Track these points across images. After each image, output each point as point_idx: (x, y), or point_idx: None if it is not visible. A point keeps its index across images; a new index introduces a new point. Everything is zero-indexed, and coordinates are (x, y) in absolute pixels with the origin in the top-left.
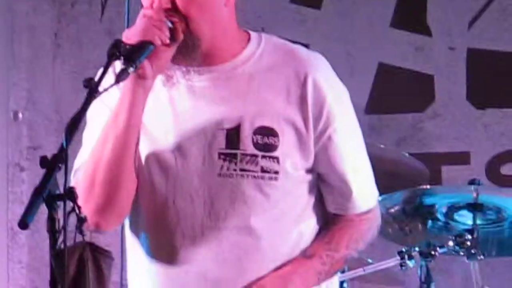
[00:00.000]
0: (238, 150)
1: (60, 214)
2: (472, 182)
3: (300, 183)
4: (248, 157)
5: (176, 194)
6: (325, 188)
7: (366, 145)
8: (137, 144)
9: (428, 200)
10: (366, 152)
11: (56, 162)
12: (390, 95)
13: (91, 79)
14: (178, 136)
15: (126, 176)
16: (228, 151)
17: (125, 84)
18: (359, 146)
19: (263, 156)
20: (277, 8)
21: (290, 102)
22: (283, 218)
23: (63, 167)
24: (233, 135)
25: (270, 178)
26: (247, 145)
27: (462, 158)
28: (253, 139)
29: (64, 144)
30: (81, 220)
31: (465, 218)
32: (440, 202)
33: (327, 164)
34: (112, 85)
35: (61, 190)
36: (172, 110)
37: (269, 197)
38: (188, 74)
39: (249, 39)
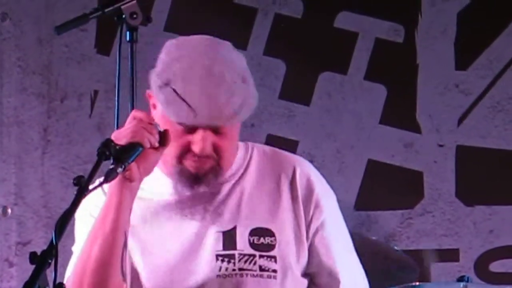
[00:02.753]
0: (236, 250)
1: None
2: (461, 279)
3: (296, 284)
4: (246, 257)
5: None
6: None
7: (358, 236)
8: (125, 246)
9: None
10: (354, 251)
11: (46, 258)
12: (379, 192)
13: (81, 177)
14: (175, 242)
15: (113, 278)
16: (226, 252)
17: (111, 186)
18: (347, 242)
19: (261, 256)
20: (266, 103)
21: (283, 200)
22: None
23: (52, 263)
24: (229, 237)
25: (269, 277)
26: (244, 245)
27: (451, 255)
28: (249, 239)
29: (54, 240)
30: None
31: None
32: None
33: (316, 259)
34: (101, 184)
35: (51, 285)
36: (166, 218)
37: None
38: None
39: (236, 148)
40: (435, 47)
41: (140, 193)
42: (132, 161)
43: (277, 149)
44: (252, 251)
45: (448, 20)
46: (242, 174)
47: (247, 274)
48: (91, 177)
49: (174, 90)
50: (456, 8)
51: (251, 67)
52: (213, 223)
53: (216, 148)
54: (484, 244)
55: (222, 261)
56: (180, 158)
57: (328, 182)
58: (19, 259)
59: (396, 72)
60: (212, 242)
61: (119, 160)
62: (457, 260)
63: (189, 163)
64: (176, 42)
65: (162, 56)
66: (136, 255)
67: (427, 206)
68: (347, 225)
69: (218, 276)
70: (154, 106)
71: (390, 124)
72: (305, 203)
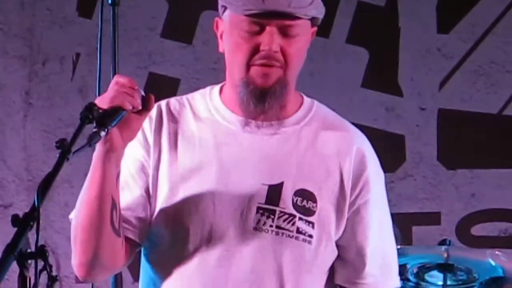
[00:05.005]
0: (277, 207)
1: (31, 273)
2: (442, 242)
3: (328, 252)
4: (286, 216)
5: (210, 242)
6: (339, 262)
7: None
8: (114, 207)
9: (398, 261)
10: (393, 238)
11: (28, 221)
12: None
13: (64, 140)
14: (220, 184)
15: (106, 237)
16: (267, 206)
17: (94, 159)
18: (386, 228)
19: (300, 218)
20: None
21: (334, 170)
22: (311, 283)
23: (34, 225)
24: (274, 192)
25: (304, 241)
26: (287, 204)
27: (432, 219)
28: (293, 199)
29: (36, 203)
30: (52, 279)
31: (436, 279)
32: (410, 262)
33: (349, 234)
34: (83, 147)
35: (33, 248)
36: (217, 158)
37: (300, 258)
38: (247, 126)
39: (302, 102)
40: (417, 10)
41: (207, 114)
42: (115, 124)
43: (339, 118)
44: (293, 212)
45: None
46: (302, 129)
47: (283, 233)
48: (73, 141)
49: None
50: None
51: None
52: (261, 172)
53: (283, 53)
54: (466, 207)
55: (262, 215)
56: (248, 63)
57: None
58: (0, 221)
59: (378, 35)
60: (256, 193)
61: (102, 124)
62: (438, 223)
63: (256, 71)
64: None
65: None
66: (174, 177)
67: (409, 170)
68: None
69: (254, 228)
70: (221, 36)
71: (372, 88)
72: (354, 179)
